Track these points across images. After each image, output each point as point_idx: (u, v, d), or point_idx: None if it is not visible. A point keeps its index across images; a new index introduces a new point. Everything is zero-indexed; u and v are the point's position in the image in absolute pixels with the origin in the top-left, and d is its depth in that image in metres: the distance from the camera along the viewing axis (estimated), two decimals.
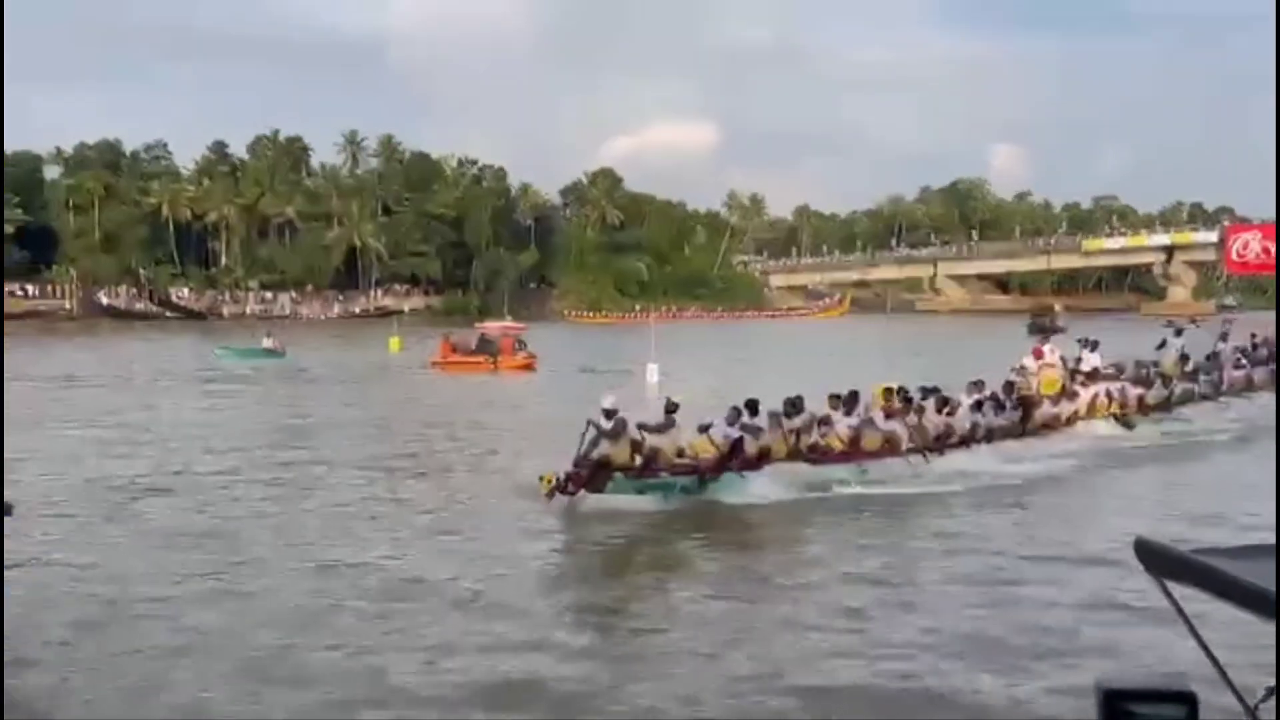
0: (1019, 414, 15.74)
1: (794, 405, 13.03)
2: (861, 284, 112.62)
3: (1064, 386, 17.12)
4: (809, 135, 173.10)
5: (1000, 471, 13.70)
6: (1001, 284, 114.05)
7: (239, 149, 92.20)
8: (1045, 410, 16.34)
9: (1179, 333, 20.71)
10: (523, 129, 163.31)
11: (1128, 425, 17.35)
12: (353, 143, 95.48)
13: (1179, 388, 19.16)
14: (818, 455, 12.86)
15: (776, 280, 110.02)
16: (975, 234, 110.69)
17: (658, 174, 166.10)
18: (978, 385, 15.73)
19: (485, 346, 34.02)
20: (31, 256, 79.42)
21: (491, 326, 37.95)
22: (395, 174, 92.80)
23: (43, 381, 27.70)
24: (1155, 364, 19.56)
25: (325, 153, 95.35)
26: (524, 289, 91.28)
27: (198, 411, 22.53)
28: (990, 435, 14.91)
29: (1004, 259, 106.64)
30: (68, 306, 77.41)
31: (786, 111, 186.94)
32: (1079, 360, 18.71)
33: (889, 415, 13.71)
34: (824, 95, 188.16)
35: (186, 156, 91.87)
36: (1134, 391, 18.06)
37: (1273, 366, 21.50)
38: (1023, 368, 17.63)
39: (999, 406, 15.32)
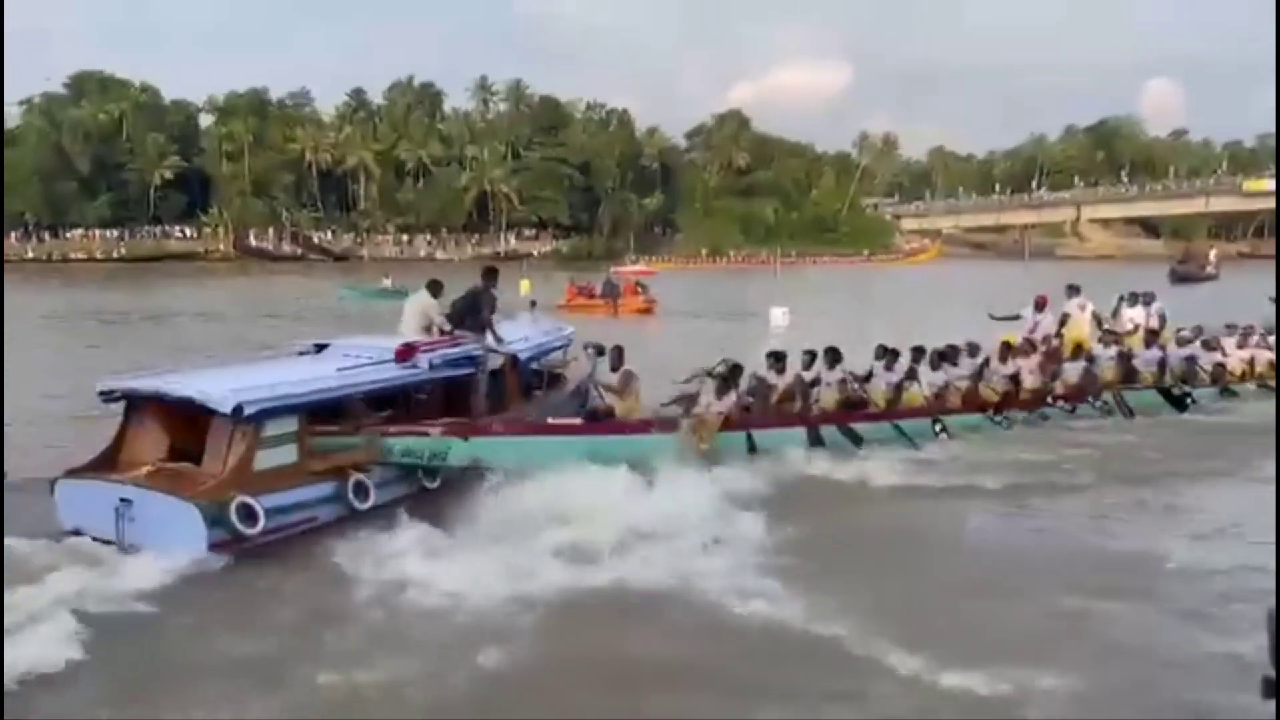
0: (1004, 380, 12.62)
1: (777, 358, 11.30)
2: (998, 228, 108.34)
3: (1089, 349, 14.05)
4: (946, 74, 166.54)
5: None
6: (1152, 229, 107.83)
7: (376, 95, 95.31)
8: (1035, 379, 12.98)
9: None
10: (650, 73, 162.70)
11: (1126, 412, 13.38)
12: (483, 88, 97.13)
13: None
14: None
15: (908, 224, 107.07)
16: (1124, 175, 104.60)
17: (787, 117, 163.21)
18: (972, 349, 12.83)
19: (609, 290, 34.63)
20: (188, 200, 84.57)
21: (624, 270, 38.54)
22: (524, 119, 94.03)
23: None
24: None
25: (458, 98, 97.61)
26: (649, 233, 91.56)
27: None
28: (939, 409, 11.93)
29: (1154, 201, 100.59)
30: (221, 249, 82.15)
31: (923, 50, 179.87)
32: (1115, 317, 15.96)
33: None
34: (963, 31, 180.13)
35: (328, 103, 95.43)
36: (1206, 356, 14.80)
37: None
38: (1017, 316, 15.37)
39: (943, 359, 12.29)
